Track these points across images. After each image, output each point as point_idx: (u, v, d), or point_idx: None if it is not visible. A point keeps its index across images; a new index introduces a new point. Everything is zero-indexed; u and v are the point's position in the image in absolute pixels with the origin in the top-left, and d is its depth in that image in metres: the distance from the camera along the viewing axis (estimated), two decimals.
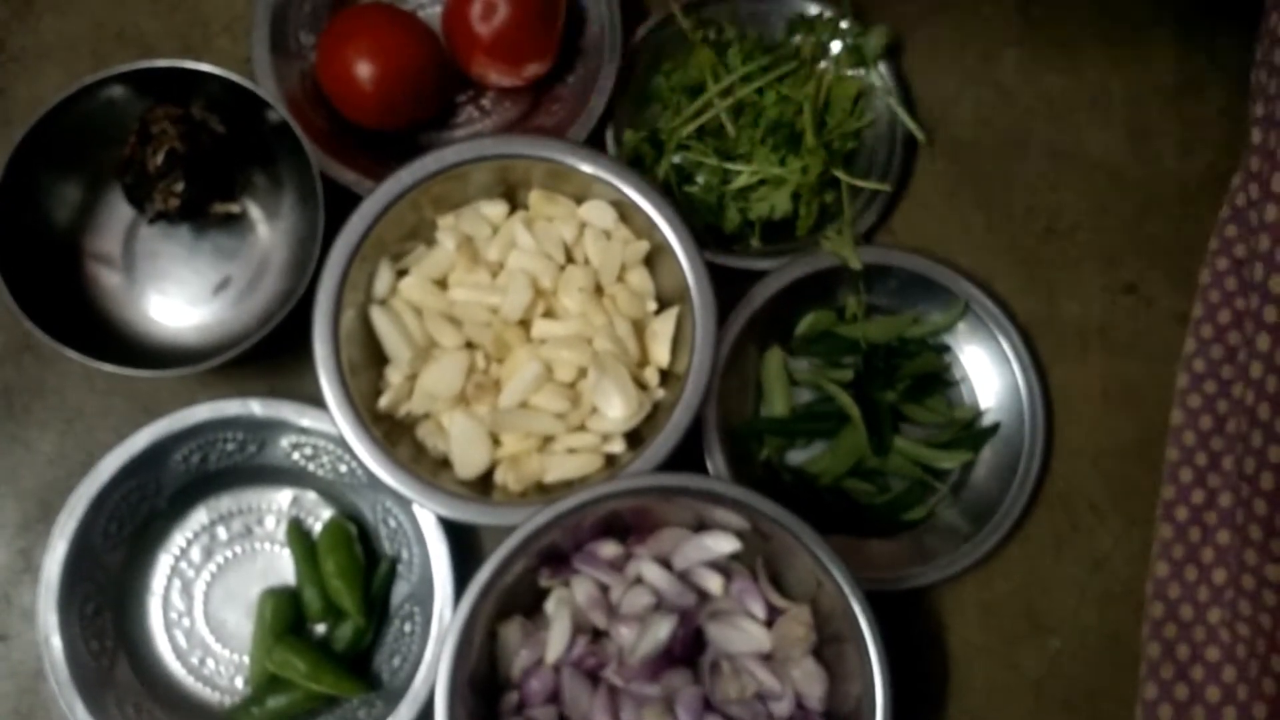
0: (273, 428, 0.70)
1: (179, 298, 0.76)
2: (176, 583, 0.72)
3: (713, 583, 0.67)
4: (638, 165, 0.76)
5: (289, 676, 0.68)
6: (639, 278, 0.71)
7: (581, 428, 0.69)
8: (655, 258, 0.71)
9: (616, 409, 0.68)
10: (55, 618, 0.67)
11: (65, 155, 0.73)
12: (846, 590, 0.63)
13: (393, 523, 0.71)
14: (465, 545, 0.72)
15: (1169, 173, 0.81)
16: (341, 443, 0.68)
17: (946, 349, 0.77)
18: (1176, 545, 0.73)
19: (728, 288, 0.72)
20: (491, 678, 0.67)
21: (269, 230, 0.77)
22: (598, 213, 0.71)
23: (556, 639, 0.66)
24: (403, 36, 0.75)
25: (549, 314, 0.71)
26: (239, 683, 0.72)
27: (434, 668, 0.65)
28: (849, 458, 0.74)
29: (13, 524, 0.74)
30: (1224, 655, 0.71)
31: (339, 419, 0.66)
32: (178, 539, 0.73)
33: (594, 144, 0.76)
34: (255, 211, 0.77)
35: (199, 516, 0.73)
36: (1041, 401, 0.74)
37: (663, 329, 0.70)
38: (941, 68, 0.82)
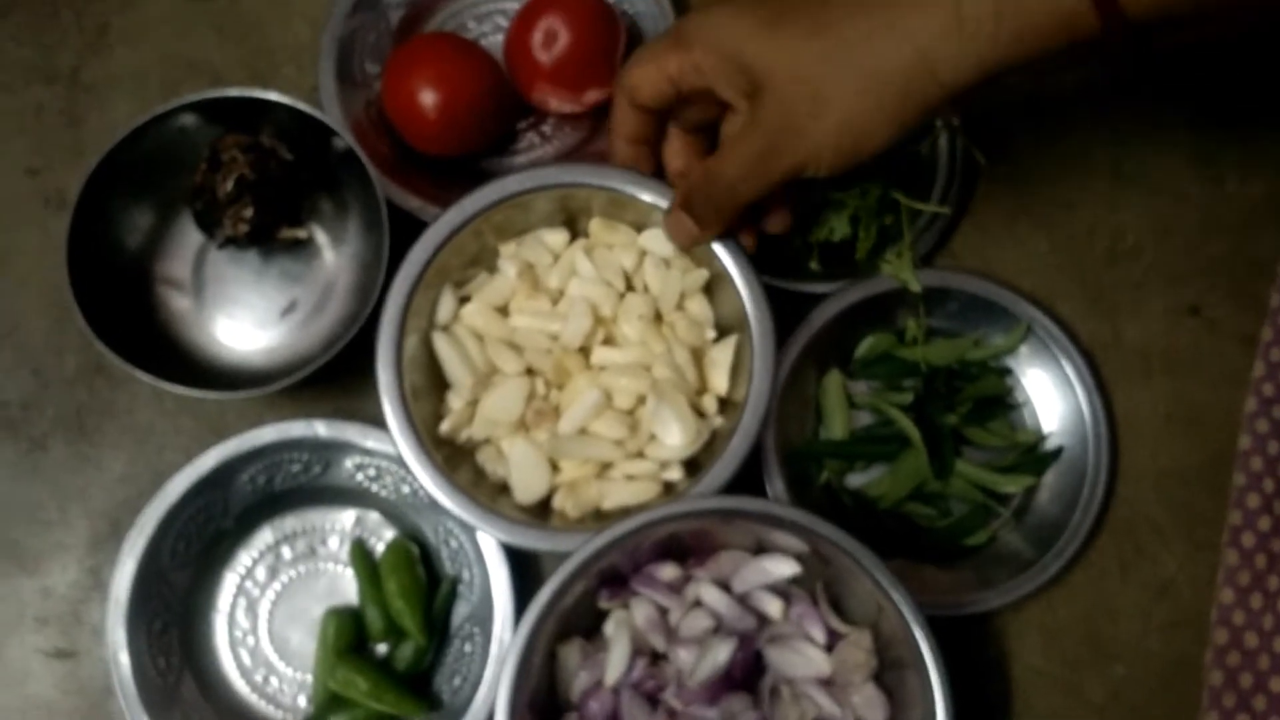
0: (337, 449, 0.71)
1: (246, 321, 0.78)
2: (242, 601, 0.73)
3: (772, 606, 0.67)
4: None
5: (351, 695, 0.69)
6: (698, 306, 0.72)
7: (640, 455, 0.70)
8: (714, 285, 0.71)
9: (675, 437, 0.68)
10: (124, 635, 0.68)
11: (137, 182, 0.74)
12: (907, 615, 0.63)
13: (454, 544, 0.72)
14: (525, 567, 0.72)
15: (1231, 194, 0.80)
16: (404, 465, 0.69)
17: (1008, 372, 0.76)
18: (1242, 572, 0.72)
19: (787, 311, 0.72)
20: (551, 699, 0.67)
21: (334, 255, 0.78)
22: (657, 241, 0.71)
23: (616, 661, 0.66)
24: (465, 65, 0.76)
25: (609, 341, 0.71)
26: (302, 701, 0.72)
27: (494, 688, 0.66)
28: (910, 481, 0.74)
29: (83, 542, 0.75)
30: None
31: (401, 443, 0.67)
32: (243, 558, 0.74)
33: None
34: (321, 237, 0.78)
35: (264, 536, 0.74)
36: (1105, 425, 0.73)
37: (721, 357, 0.70)
38: (1001, 90, 0.82)
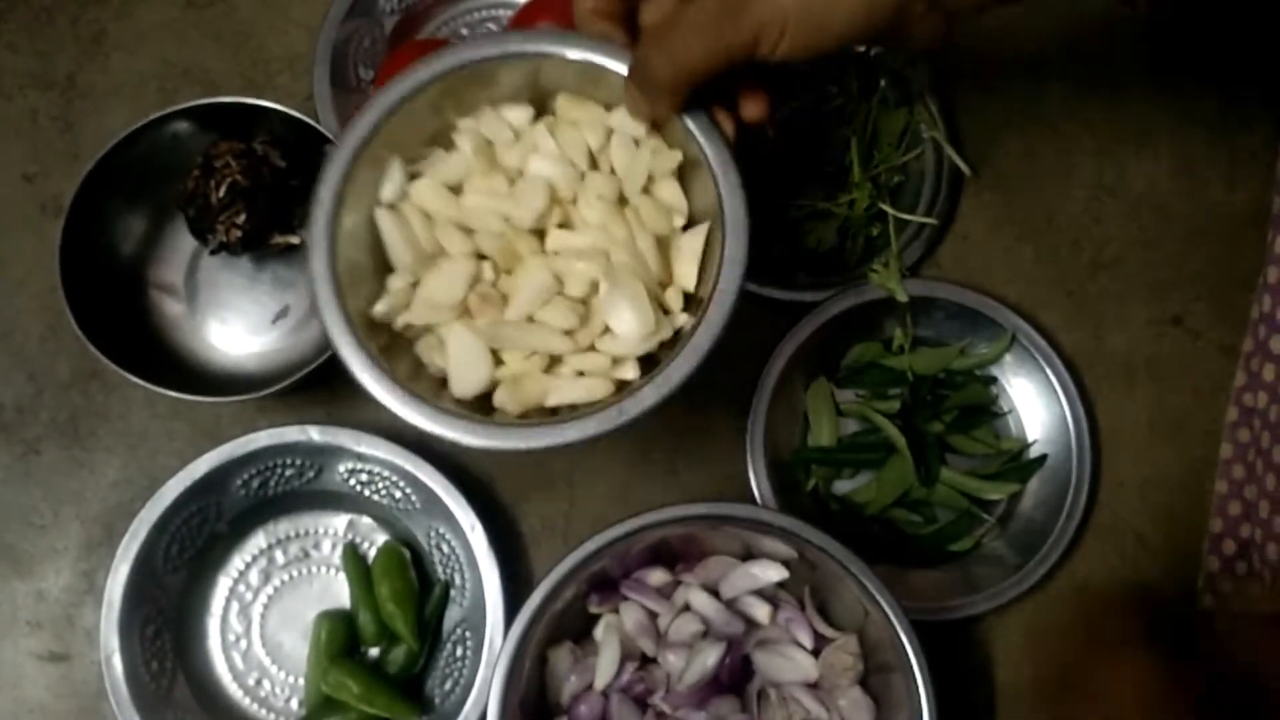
0: (330, 454, 0.72)
1: (239, 326, 0.78)
2: (234, 605, 0.74)
3: (760, 611, 0.68)
4: None
5: (343, 699, 0.70)
6: (668, 191, 0.64)
7: (591, 349, 0.62)
8: (688, 174, 0.64)
9: (629, 326, 0.61)
10: (117, 639, 0.68)
11: (131, 188, 0.75)
12: (894, 620, 0.64)
13: (446, 549, 0.72)
14: (517, 571, 0.73)
15: (1214, 205, 0.81)
16: (396, 469, 0.70)
17: (993, 380, 0.77)
18: (1224, 578, 0.73)
19: (775, 320, 0.73)
20: (541, 702, 0.68)
21: None
22: (628, 119, 0.63)
23: (605, 665, 0.67)
24: None
25: (566, 225, 0.64)
26: (294, 704, 0.73)
27: (485, 692, 0.66)
28: (896, 488, 0.74)
29: (77, 546, 0.76)
30: None
31: (331, 327, 0.60)
32: (236, 562, 0.74)
33: None
34: None
35: (257, 540, 0.74)
36: (1088, 433, 0.74)
37: (689, 247, 0.63)
38: (987, 102, 0.83)
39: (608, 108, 0.65)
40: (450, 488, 0.70)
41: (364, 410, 0.77)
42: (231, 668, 0.73)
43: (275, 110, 0.73)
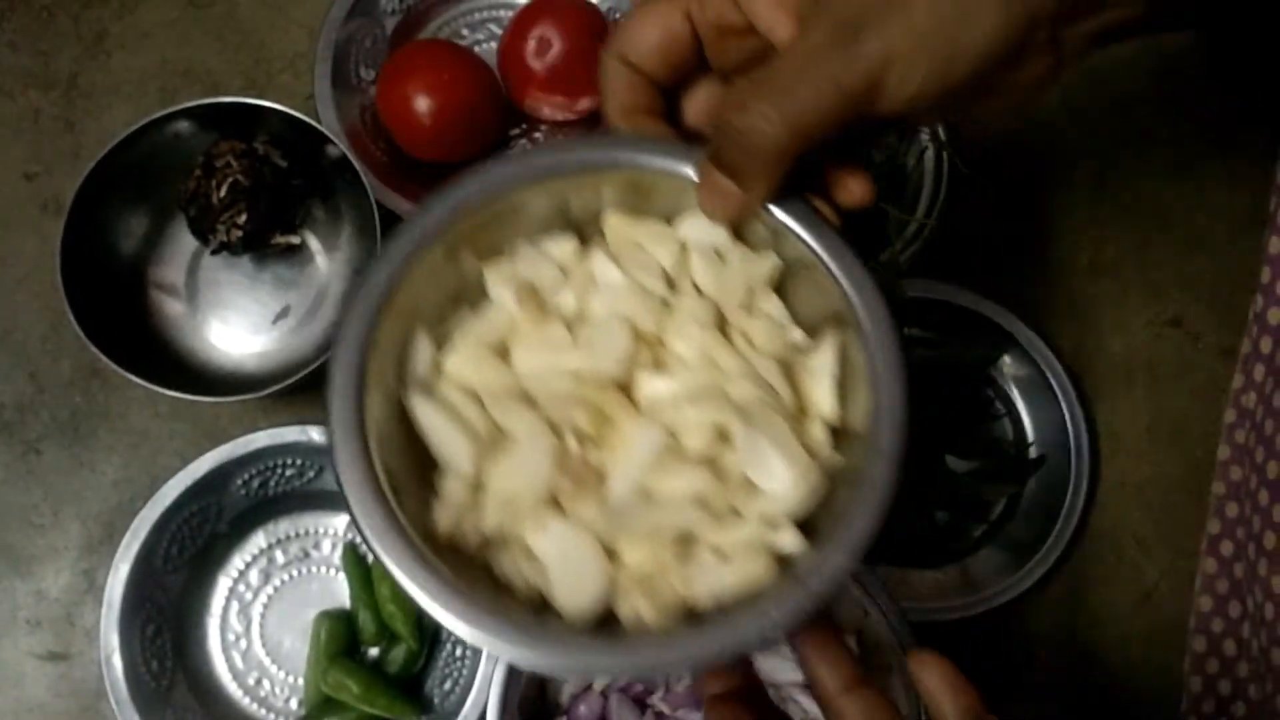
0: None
1: (240, 326, 0.78)
2: (234, 605, 0.74)
3: None
4: None
5: (342, 698, 0.70)
6: (772, 305, 0.51)
7: (733, 515, 0.47)
8: (787, 281, 0.52)
9: (781, 476, 0.47)
10: (117, 638, 0.68)
11: (132, 187, 0.75)
12: (892, 620, 0.64)
13: None
14: None
15: (1214, 206, 0.81)
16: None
17: (992, 382, 0.77)
18: (1220, 580, 0.73)
19: None
20: (540, 703, 0.68)
21: (327, 261, 0.79)
22: (702, 227, 0.51)
23: None
24: (460, 72, 0.77)
25: (658, 366, 0.50)
26: (294, 704, 0.73)
27: (484, 692, 0.66)
28: None
29: (77, 546, 0.76)
30: (1270, 691, 0.71)
31: (387, 559, 0.44)
32: (236, 562, 0.74)
33: None
34: (314, 243, 0.79)
35: (258, 540, 0.75)
36: (1087, 435, 0.74)
37: (821, 365, 0.49)
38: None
39: (668, 220, 0.52)
40: None
41: None
42: (231, 667, 0.73)
43: (276, 110, 0.73)
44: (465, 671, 0.70)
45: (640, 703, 0.67)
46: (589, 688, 0.67)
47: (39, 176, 0.81)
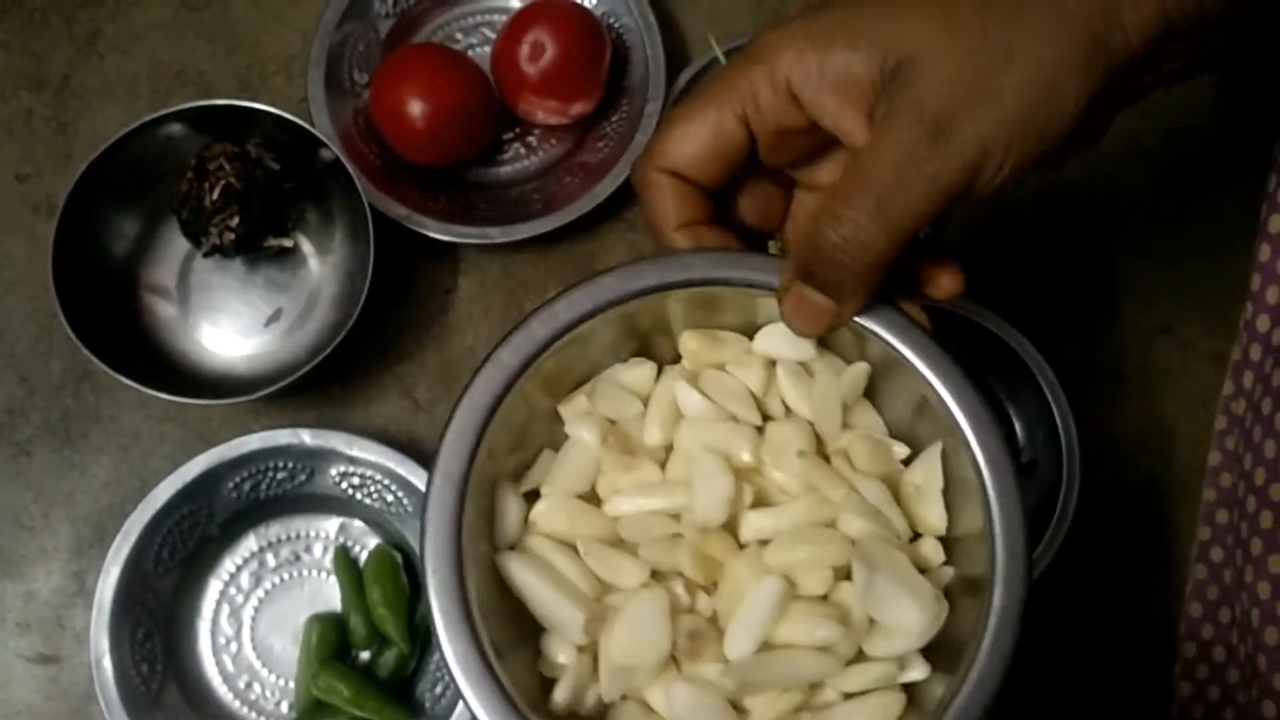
0: (322, 457, 0.72)
1: (231, 329, 0.78)
2: (225, 608, 0.74)
3: None
4: None
5: (333, 702, 0.70)
6: (868, 420, 0.51)
7: (860, 657, 0.46)
8: (876, 378, 0.51)
9: (910, 615, 0.45)
10: (107, 641, 0.68)
11: (124, 190, 0.75)
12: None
13: None
14: None
15: (1205, 213, 0.81)
16: (388, 473, 0.70)
17: (985, 388, 0.77)
18: (1211, 586, 0.74)
19: None
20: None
21: (320, 264, 0.79)
22: (784, 341, 0.49)
23: None
24: (453, 75, 0.77)
25: (760, 501, 0.48)
26: (284, 707, 0.73)
27: None
28: None
29: (67, 548, 0.76)
30: (1256, 696, 0.71)
31: None
32: (227, 565, 0.74)
33: None
34: (307, 246, 0.79)
35: (249, 543, 0.74)
36: (1077, 441, 0.74)
37: (927, 480, 0.48)
38: None
39: (747, 333, 0.51)
40: None
41: (356, 413, 0.77)
42: (222, 670, 0.73)
43: (269, 113, 0.73)
44: None
45: None
46: None
47: (31, 178, 0.81)
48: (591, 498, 0.49)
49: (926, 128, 0.41)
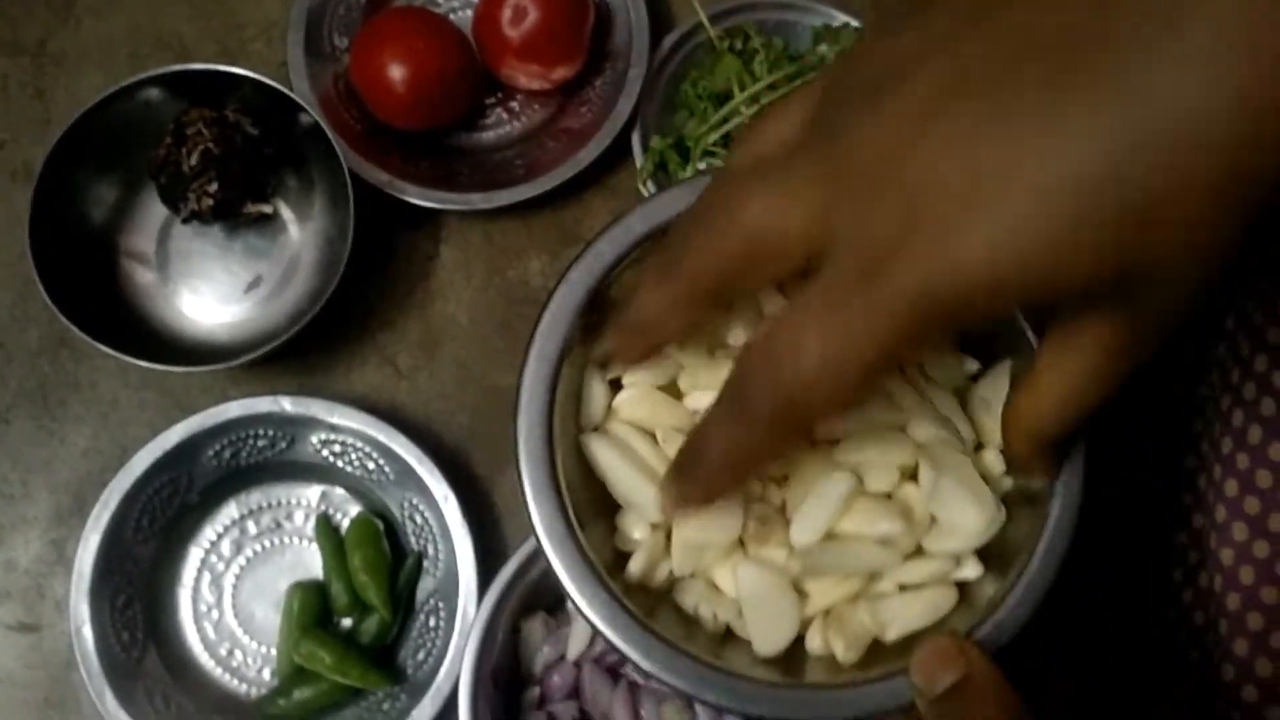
0: (302, 424, 0.71)
1: (211, 296, 0.77)
2: (206, 576, 0.74)
3: None
4: (663, 171, 0.77)
5: (315, 669, 0.69)
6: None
7: (918, 552, 0.49)
8: None
9: (971, 516, 0.47)
10: (87, 609, 0.68)
11: (102, 155, 0.74)
12: None
13: (419, 519, 0.72)
14: (490, 542, 0.73)
15: None
16: (370, 440, 0.70)
17: None
18: (1191, 551, 0.74)
19: None
20: (514, 672, 0.68)
21: (300, 230, 0.78)
22: None
23: (578, 636, 0.67)
24: (435, 40, 0.76)
25: None
26: (266, 674, 0.73)
27: (457, 662, 0.66)
28: None
29: (46, 517, 0.75)
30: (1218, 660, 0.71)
31: (581, 602, 0.47)
32: (208, 533, 0.74)
33: (620, 149, 0.77)
34: (286, 212, 0.78)
35: (229, 511, 0.74)
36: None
37: (994, 395, 0.50)
38: None
39: None
40: (424, 459, 0.70)
41: (336, 381, 0.77)
42: (203, 638, 0.73)
43: (248, 77, 0.72)
44: (439, 642, 0.70)
45: (614, 673, 0.67)
46: (562, 657, 0.67)
47: (8, 144, 0.80)
48: (673, 390, 0.51)
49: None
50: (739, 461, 0.43)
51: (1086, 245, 0.34)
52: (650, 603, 0.49)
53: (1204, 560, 0.73)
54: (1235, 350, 0.67)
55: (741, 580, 0.48)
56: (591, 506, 0.50)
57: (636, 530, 0.50)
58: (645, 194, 0.77)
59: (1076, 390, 0.42)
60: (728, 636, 0.49)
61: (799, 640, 0.48)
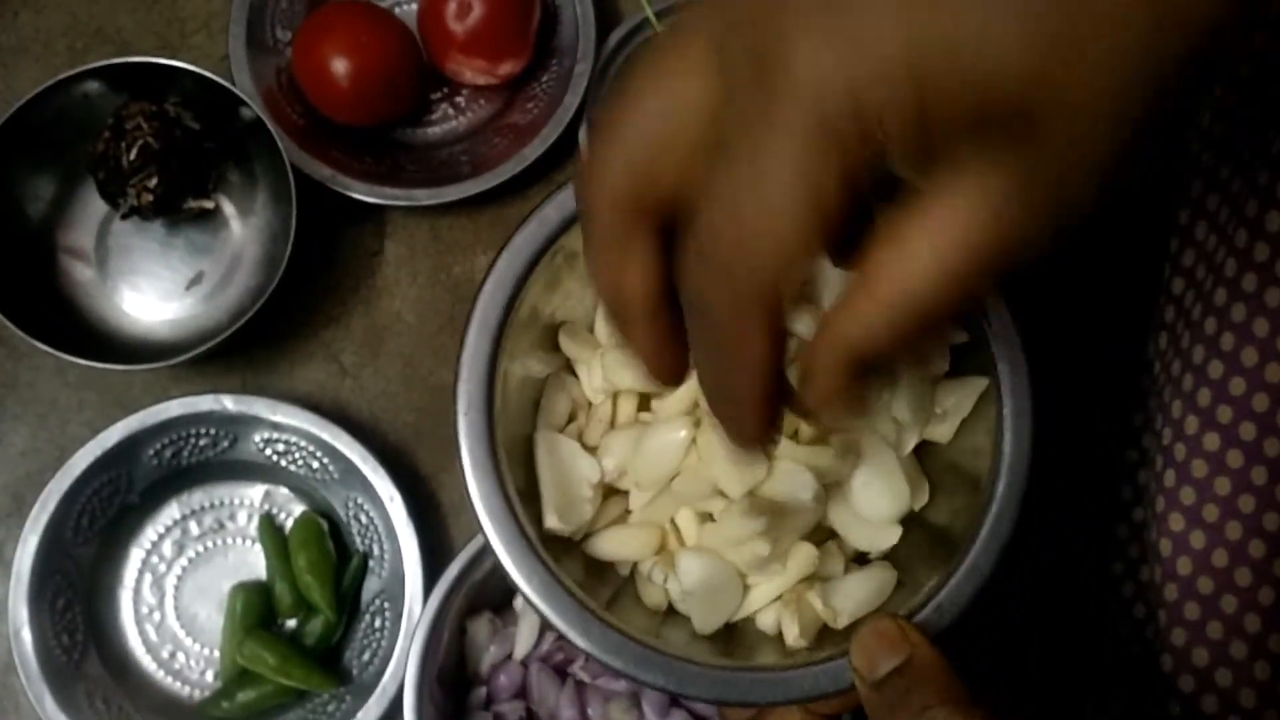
0: (245, 423, 0.71)
1: (152, 293, 0.76)
2: (148, 577, 0.73)
3: None
4: None
5: (259, 670, 0.69)
6: None
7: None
8: None
9: (882, 502, 0.50)
10: (25, 611, 0.67)
11: (39, 150, 0.73)
12: None
13: (364, 519, 0.72)
14: (436, 542, 0.72)
15: None
16: (313, 439, 0.69)
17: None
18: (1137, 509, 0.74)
19: None
20: (460, 673, 0.68)
21: (242, 226, 0.77)
22: None
23: (525, 635, 0.67)
24: (378, 34, 0.76)
25: None
26: (209, 676, 0.72)
27: (403, 663, 0.66)
28: None
29: None
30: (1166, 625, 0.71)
31: (510, 564, 0.48)
32: (149, 533, 0.73)
33: (566, 145, 0.76)
34: (228, 208, 0.77)
35: (171, 511, 0.73)
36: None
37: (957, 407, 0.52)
38: None
39: None
40: (369, 458, 0.69)
41: (280, 379, 0.76)
42: (145, 640, 0.72)
43: (189, 71, 0.71)
44: (384, 643, 0.70)
45: (561, 672, 0.67)
46: (508, 657, 0.67)
47: None
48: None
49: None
50: (749, 379, 0.37)
51: (1015, 35, 0.29)
52: (564, 558, 0.49)
53: (1144, 553, 0.74)
54: (1175, 341, 0.67)
55: (691, 564, 0.48)
56: (530, 484, 0.51)
57: (585, 488, 0.51)
58: None
59: (954, 242, 0.33)
60: (669, 614, 0.50)
61: (748, 620, 0.49)
